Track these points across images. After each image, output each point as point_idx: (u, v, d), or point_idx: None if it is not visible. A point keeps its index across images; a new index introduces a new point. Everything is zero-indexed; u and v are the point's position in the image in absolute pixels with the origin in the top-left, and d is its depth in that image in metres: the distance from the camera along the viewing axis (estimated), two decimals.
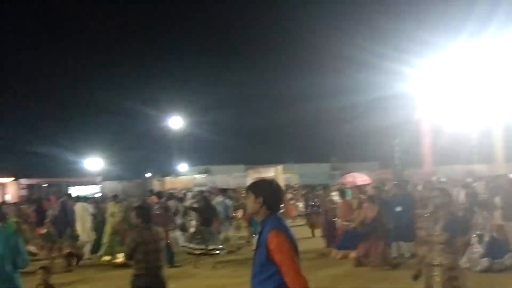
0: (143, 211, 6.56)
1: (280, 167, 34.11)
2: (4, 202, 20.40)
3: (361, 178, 33.39)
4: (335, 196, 15.30)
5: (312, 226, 17.08)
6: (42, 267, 7.73)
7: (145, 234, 6.09)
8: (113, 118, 57.62)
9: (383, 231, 11.13)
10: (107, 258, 13.06)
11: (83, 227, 14.55)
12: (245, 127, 54.59)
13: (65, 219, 14.29)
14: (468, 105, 18.11)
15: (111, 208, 14.59)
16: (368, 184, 23.31)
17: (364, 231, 11.36)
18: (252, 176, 35.88)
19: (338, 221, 13.29)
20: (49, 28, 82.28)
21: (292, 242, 3.74)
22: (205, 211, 13.03)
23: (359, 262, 11.37)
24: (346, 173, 38.41)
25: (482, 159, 27.08)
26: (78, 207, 14.92)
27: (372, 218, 11.34)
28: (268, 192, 3.88)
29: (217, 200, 15.85)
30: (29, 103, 70.47)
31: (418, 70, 19.69)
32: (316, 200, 17.06)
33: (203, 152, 52.46)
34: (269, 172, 34.92)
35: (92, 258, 14.12)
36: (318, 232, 16.19)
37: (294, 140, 54.32)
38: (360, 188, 15.77)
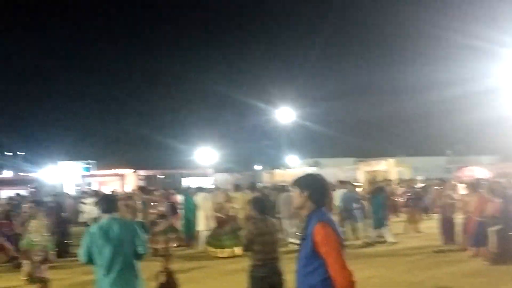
0: (259, 203, 6.63)
1: (392, 160, 33.26)
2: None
3: (480, 172, 31.75)
4: (461, 190, 14.64)
5: (412, 221, 16.59)
6: (163, 255, 8.08)
7: (261, 225, 6.16)
8: (224, 111, 58.94)
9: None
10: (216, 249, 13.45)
11: (203, 216, 14.87)
12: (356, 120, 53.48)
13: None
14: None
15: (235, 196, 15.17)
16: (488, 179, 22.09)
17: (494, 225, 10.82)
18: (362, 169, 35.36)
19: (465, 216, 12.61)
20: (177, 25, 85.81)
21: (338, 236, 3.72)
22: None
23: (494, 259, 10.79)
24: (463, 167, 36.68)
25: None
26: (200, 197, 15.38)
27: (499, 212, 10.77)
28: (313, 187, 3.89)
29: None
30: (147, 99, 73.98)
31: None
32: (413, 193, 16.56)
33: (312, 145, 52.31)
34: (380, 165, 34.19)
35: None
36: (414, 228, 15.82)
37: (406, 133, 52.47)
38: (479, 182, 14.98)
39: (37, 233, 9.27)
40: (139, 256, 5.52)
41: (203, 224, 14.74)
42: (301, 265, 3.77)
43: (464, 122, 42.79)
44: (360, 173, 34.15)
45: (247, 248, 6.19)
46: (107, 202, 5.83)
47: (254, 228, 6.14)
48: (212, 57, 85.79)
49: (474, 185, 13.05)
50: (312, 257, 3.68)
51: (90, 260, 5.38)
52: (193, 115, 57.64)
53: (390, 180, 24.57)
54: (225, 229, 13.53)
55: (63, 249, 14.65)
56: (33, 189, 28.37)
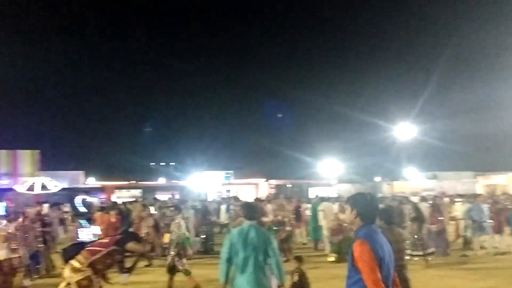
0: (386, 213, 6.57)
1: (511, 174, 31.10)
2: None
3: None
4: None
5: None
6: (296, 257, 8.22)
7: (388, 235, 6.07)
8: (346, 128, 58.57)
9: None
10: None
11: (326, 224, 14.86)
12: (475, 134, 50.54)
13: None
14: None
15: None
16: None
17: None
18: (481, 182, 33.31)
19: None
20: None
21: (375, 253, 3.64)
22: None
23: None
24: None
25: None
26: (324, 206, 15.40)
27: None
28: (362, 205, 3.90)
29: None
30: (279, 118, 75.46)
31: None
32: None
33: (431, 158, 50.18)
34: (500, 179, 32.03)
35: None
36: None
37: None
38: None
39: (177, 231, 9.88)
40: (269, 261, 5.57)
41: (326, 231, 14.74)
42: (347, 277, 3.81)
43: None
44: (479, 186, 32.32)
45: None
46: (249, 209, 5.97)
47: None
48: (336, 78, 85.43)
49: None
50: (352, 271, 3.71)
51: (229, 259, 5.55)
52: (318, 131, 57.89)
53: (510, 194, 22.88)
54: (339, 236, 13.50)
55: (208, 247, 15.43)
56: (177, 194, 30.08)
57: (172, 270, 9.53)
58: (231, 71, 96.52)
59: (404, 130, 43.90)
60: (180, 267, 9.45)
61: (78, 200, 22.80)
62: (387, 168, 50.08)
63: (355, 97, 74.68)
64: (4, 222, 10.32)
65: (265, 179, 37.33)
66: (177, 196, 27.77)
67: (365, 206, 3.93)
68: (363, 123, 52.47)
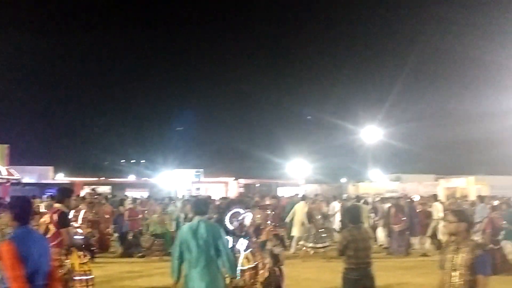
0: (351, 213, 6.64)
1: (471, 178, 31.94)
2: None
3: None
4: None
5: None
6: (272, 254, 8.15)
7: (354, 233, 6.13)
8: (315, 131, 59.03)
9: None
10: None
11: (299, 223, 14.61)
12: (437, 140, 51.86)
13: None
14: None
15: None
16: None
17: None
18: (442, 185, 34.02)
19: None
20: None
21: (20, 252, 3.89)
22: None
23: None
24: None
25: None
26: (299, 205, 15.33)
27: None
28: (17, 208, 4.16)
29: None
30: (247, 119, 75.59)
31: None
32: None
33: (395, 161, 51.13)
34: (460, 182, 32.79)
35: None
36: None
37: (485, 153, 49.99)
38: None
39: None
40: (220, 255, 5.56)
41: (298, 230, 14.62)
42: None
43: None
44: (440, 188, 33.03)
45: (341, 253, 6.14)
46: (198, 205, 5.96)
47: (348, 235, 6.13)
48: (305, 83, 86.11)
49: None
50: (1, 270, 3.92)
51: (180, 256, 5.51)
52: (288, 133, 58.27)
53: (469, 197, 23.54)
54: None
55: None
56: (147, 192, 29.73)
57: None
58: (200, 67, 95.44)
59: (370, 133, 44.62)
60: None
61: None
62: (353, 170, 50.77)
63: (324, 100, 75.57)
64: None
65: (234, 178, 37.31)
66: (146, 194, 27.46)
67: (21, 208, 4.16)
68: (331, 126, 53.02)
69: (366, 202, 18.15)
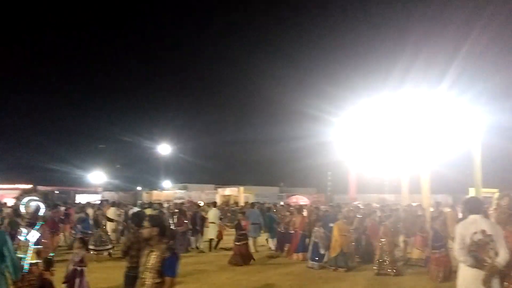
0: (138, 217, 6.44)
1: (241, 188, 34.21)
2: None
3: (302, 200, 33.79)
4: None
5: None
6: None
7: (138, 235, 5.94)
8: (114, 144, 56.98)
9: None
10: None
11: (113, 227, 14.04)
12: (216, 154, 55.28)
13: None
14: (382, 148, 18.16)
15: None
16: (307, 204, 23.40)
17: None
18: (220, 193, 35.78)
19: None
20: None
21: None
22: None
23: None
24: (291, 195, 38.77)
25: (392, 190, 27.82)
26: (111, 211, 14.32)
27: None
28: None
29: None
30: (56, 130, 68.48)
31: (346, 120, 19.69)
32: None
33: (183, 172, 52.52)
34: (233, 191, 34.89)
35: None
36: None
37: (253, 168, 54.89)
38: (301, 207, 15.85)
39: None
40: (4, 261, 4.91)
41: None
42: None
43: (294, 164, 45.62)
44: (218, 196, 34.59)
45: (125, 253, 5.88)
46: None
47: (132, 237, 5.91)
48: (106, 104, 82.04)
49: (298, 209, 14.05)
50: None
51: None
52: (87, 146, 55.24)
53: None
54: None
55: None
56: None
57: None
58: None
59: (163, 148, 45.51)
60: None
61: None
62: (147, 179, 50.60)
63: (125, 120, 74.02)
64: None
65: (32, 186, 33.29)
66: None
67: None
68: (131, 142, 51.99)
69: (155, 208, 17.81)
